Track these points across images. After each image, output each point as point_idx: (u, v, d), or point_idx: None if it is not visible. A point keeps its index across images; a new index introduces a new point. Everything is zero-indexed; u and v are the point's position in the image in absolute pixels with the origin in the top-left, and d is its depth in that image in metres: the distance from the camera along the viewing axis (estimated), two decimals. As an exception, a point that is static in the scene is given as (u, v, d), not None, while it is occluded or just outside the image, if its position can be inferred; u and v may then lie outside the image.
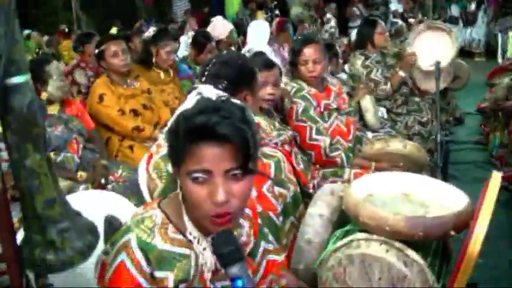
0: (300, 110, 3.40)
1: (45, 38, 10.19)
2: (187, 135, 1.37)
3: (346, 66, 5.67)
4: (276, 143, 3.03)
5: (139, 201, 2.94)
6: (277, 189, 2.35)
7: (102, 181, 3.58)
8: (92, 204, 2.11)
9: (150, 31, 4.84)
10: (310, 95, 3.48)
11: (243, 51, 6.39)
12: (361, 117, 4.44)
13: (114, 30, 9.34)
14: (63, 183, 3.23)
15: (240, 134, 1.35)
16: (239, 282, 1.33)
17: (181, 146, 1.38)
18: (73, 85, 5.20)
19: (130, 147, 4.03)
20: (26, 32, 10.31)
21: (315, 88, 3.55)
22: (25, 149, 1.32)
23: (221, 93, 1.64)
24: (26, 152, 1.32)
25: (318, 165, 3.41)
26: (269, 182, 2.30)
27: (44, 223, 1.36)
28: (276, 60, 6.47)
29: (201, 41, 5.54)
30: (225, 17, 8.96)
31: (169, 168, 2.11)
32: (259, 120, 3.00)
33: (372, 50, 5.14)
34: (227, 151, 1.35)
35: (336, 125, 3.52)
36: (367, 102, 4.44)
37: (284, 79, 5.53)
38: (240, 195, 1.39)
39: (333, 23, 11.09)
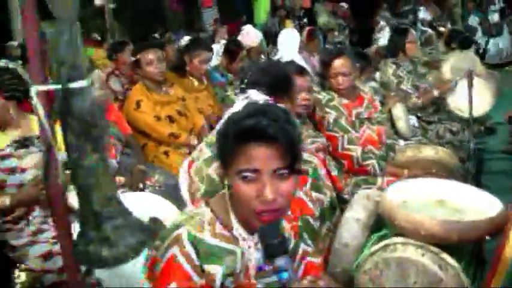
0: (331, 120, 3.47)
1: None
2: (238, 137, 1.45)
3: (377, 74, 5.71)
4: (310, 150, 3.09)
5: (176, 205, 3.03)
6: (314, 194, 2.42)
7: (140, 186, 3.68)
8: (136, 205, 2.18)
9: (185, 39, 4.94)
10: (341, 105, 3.54)
11: (274, 59, 6.47)
12: (393, 125, 4.47)
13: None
14: None
15: (286, 135, 1.43)
16: (285, 274, 1.39)
17: (231, 147, 1.46)
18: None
19: (166, 153, 4.11)
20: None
21: (346, 98, 3.61)
22: (84, 149, 1.39)
23: (267, 97, 1.72)
24: (85, 152, 1.39)
25: (350, 173, 3.47)
26: (307, 187, 2.37)
27: (100, 220, 1.43)
28: (307, 68, 6.57)
29: (233, 49, 5.66)
30: (254, 25, 9.07)
31: (210, 171, 2.20)
32: (295, 126, 3.06)
33: (403, 59, 5.17)
34: (275, 151, 1.43)
35: (368, 134, 3.57)
36: (398, 111, 4.48)
37: (315, 88, 5.60)
38: (286, 193, 1.46)
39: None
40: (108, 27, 8.69)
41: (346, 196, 2.75)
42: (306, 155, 2.49)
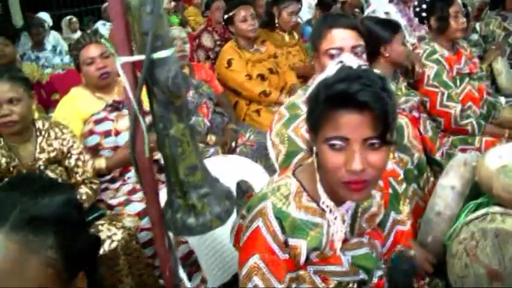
0: (432, 74, 3.30)
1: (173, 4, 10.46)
2: (328, 102, 1.37)
3: (477, 25, 5.37)
4: (403, 109, 2.98)
5: (267, 163, 3.03)
6: (397, 154, 2.31)
7: (232, 144, 3.70)
8: (224, 169, 2.19)
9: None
10: (444, 58, 3.36)
11: (367, 12, 6.23)
12: (493, 81, 4.21)
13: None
14: None
15: (380, 102, 1.34)
16: None
17: (320, 112, 1.40)
18: (200, 48, 5.37)
19: (257, 111, 4.11)
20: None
21: (448, 51, 3.43)
22: (169, 119, 1.38)
23: (362, 62, 1.63)
24: (171, 121, 1.39)
25: (447, 133, 3.32)
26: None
27: (186, 188, 1.43)
28: (402, 21, 6.28)
29: (326, 2, 5.50)
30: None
31: (289, 132, 2.17)
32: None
33: (509, 10, 4.82)
34: (366, 119, 1.35)
35: (468, 91, 3.39)
36: (499, 65, 4.20)
37: (412, 40, 5.36)
38: (377, 165, 1.38)
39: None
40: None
41: (438, 158, 2.61)
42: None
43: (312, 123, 1.46)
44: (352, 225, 1.61)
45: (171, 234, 1.55)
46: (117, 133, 3.06)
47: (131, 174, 3.09)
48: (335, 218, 1.54)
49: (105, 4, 9.67)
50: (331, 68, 1.44)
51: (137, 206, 2.91)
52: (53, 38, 7.77)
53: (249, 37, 4.24)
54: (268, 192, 1.55)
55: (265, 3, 5.08)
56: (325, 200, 1.53)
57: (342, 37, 2.24)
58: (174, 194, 1.48)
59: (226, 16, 4.27)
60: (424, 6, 3.52)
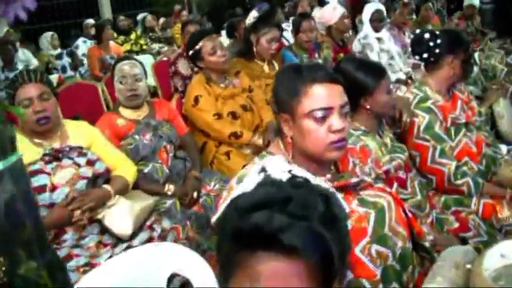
0: (423, 126, 2.83)
1: (161, 20, 10.06)
2: (235, 241, 0.93)
3: (476, 55, 4.92)
4: (387, 170, 2.53)
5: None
6: (375, 248, 1.81)
7: (194, 195, 3.25)
8: (155, 260, 1.74)
9: (251, 18, 4.38)
10: (437, 106, 2.89)
11: (358, 38, 5.81)
12: (493, 126, 3.73)
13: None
14: (147, 202, 2.96)
15: (317, 244, 0.90)
16: None
17: (228, 256, 0.94)
18: (176, 76, 4.91)
19: (227, 154, 3.66)
20: (142, 15, 10.24)
21: (442, 96, 2.97)
22: (16, 256, 0.94)
23: (295, 167, 1.18)
24: (18, 259, 0.94)
25: (439, 192, 2.86)
26: (365, 242, 1.78)
27: None
28: (395, 47, 5.84)
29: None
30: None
31: None
32: (369, 142, 2.50)
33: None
34: (296, 268, 0.89)
35: (465, 144, 2.92)
36: (501, 108, 3.71)
37: (406, 69, 4.88)
38: None
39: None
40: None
41: (427, 244, 2.10)
42: (370, 194, 1.90)
43: (220, 266, 1.00)
44: None
45: None
46: (54, 188, 2.67)
47: (68, 237, 2.66)
48: None
49: (88, 20, 9.30)
50: (251, 177, 0.98)
51: (72, 276, 2.43)
52: (22, 54, 7.42)
53: (221, 70, 3.79)
54: None
55: (244, 30, 4.62)
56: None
57: (328, 94, 1.80)
58: None
59: (191, 52, 3.79)
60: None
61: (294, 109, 1.80)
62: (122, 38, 8.79)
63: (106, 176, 2.90)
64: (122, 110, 3.38)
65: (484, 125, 3.31)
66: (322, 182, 1.63)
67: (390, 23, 6.50)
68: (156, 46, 8.87)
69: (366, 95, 2.47)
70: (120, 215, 2.74)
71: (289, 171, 1.04)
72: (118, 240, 2.72)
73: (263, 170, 1.04)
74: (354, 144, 2.44)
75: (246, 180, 1.00)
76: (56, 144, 2.76)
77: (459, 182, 2.77)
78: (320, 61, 4.79)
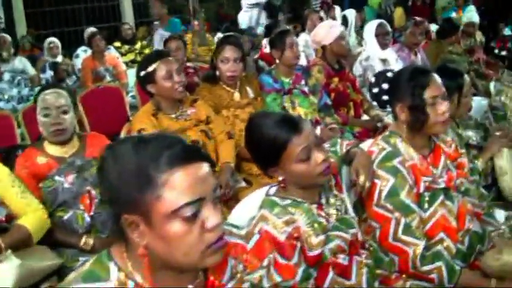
0: (385, 191, 2.21)
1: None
2: None
3: (491, 85, 4.26)
4: (321, 253, 1.94)
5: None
6: None
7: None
8: None
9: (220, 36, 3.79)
10: (406, 166, 2.27)
11: (359, 59, 5.18)
12: (494, 182, 3.02)
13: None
14: (46, 263, 2.50)
15: None
16: None
17: None
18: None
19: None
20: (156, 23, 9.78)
21: (418, 150, 2.34)
22: None
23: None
24: None
25: (402, 275, 2.25)
26: None
27: None
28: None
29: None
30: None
31: None
32: (298, 217, 1.94)
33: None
34: None
35: (441, 216, 2.26)
36: (504, 161, 2.93)
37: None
38: None
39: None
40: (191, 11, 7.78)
41: None
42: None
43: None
44: None
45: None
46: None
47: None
48: None
49: (90, 29, 8.89)
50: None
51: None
52: (19, 62, 7.08)
53: (176, 99, 3.24)
54: None
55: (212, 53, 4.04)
56: None
57: (195, 179, 1.24)
58: None
59: (142, 72, 3.23)
60: (384, 85, 2.39)
61: (148, 208, 1.20)
62: (125, 47, 8.45)
63: (4, 225, 2.51)
64: (46, 145, 2.88)
65: (477, 187, 2.63)
66: None
67: (401, 43, 5.88)
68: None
69: (272, 166, 1.96)
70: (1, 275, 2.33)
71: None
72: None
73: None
74: (277, 216, 1.90)
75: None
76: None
77: (426, 268, 2.16)
78: (306, 89, 4.17)
